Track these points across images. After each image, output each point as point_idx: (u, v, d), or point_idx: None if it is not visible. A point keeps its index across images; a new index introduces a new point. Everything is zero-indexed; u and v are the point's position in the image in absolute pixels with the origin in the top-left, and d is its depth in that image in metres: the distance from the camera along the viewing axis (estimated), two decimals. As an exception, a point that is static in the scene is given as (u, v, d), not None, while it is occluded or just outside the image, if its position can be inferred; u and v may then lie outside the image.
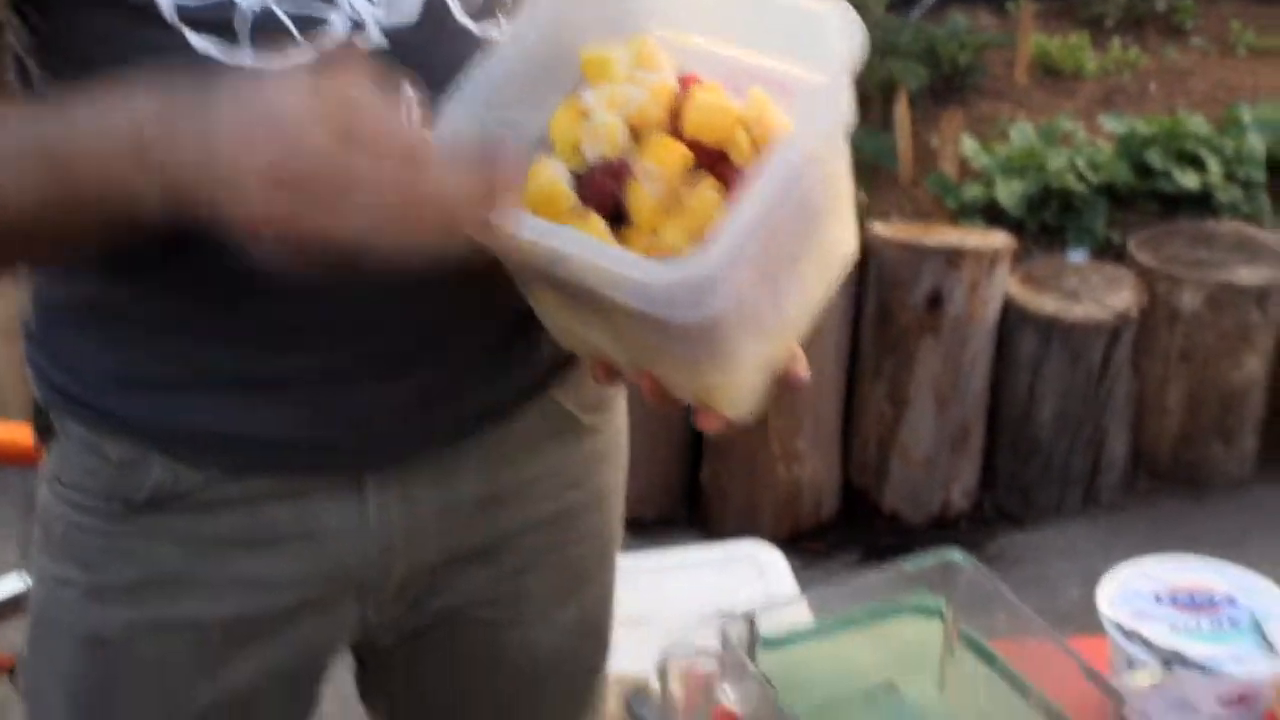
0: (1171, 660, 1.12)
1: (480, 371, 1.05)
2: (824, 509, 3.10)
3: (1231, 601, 1.18)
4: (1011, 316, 3.02)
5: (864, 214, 3.22)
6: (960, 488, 3.09)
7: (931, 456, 3.04)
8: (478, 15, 0.95)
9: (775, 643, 0.92)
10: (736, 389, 0.87)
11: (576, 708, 1.32)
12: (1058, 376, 3.01)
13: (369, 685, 1.29)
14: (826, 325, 2.90)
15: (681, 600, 2.20)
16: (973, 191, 3.35)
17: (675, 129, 0.89)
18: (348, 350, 0.99)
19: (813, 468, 3.03)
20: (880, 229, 3.02)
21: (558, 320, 0.96)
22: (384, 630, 1.15)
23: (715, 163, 0.88)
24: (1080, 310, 2.99)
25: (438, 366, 1.02)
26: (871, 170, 3.43)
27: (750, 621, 0.91)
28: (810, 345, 0.92)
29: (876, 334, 3.00)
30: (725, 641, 0.88)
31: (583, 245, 0.82)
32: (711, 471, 3.08)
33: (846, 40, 0.84)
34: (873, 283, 2.99)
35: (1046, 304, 3.00)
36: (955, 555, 0.94)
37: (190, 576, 1.03)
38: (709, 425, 0.87)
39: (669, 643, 0.90)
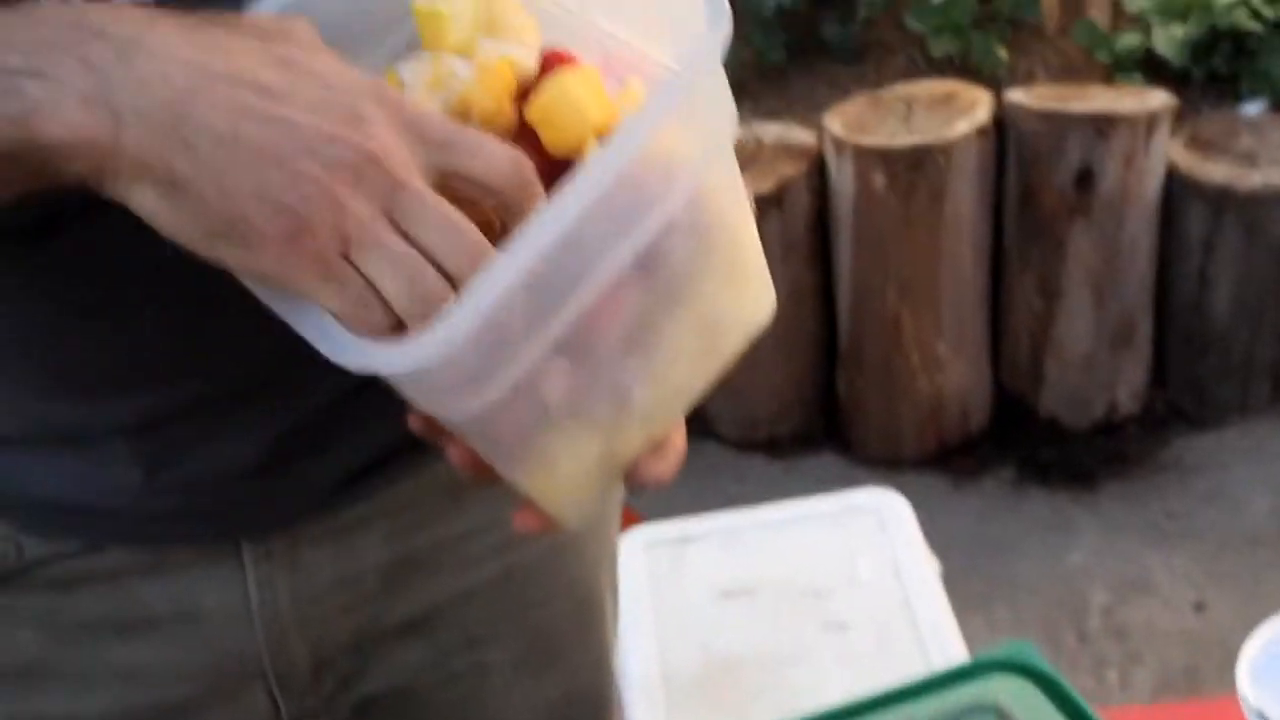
0: (1336, 778, 0.80)
1: (359, 414, 0.84)
2: (973, 420, 2.76)
3: None
4: (1176, 189, 2.60)
5: (1003, 78, 2.84)
6: (1127, 388, 2.72)
7: (1091, 354, 2.67)
8: None
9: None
10: (556, 492, 0.66)
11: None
12: (1234, 255, 2.59)
13: None
14: (963, 214, 2.54)
15: (785, 566, 1.94)
16: (1127, 41, 2.91)
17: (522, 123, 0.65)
18: (187, 388, 0.79)
19: (958, 375, 2.70)
20: (1018, 97, 2.62)
21: None
22: (311, 717, 0.95)
23: (558, 173, 0.62)
24: (1258, 176, 2.55)
25: (301, 405, 0.82)
26: (1010, 24, 3.01)
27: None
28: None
29: (1020, 220, 2.63)
30: None
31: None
32: (848, 384, 2.76)
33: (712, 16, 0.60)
34: (1013, 161, 2.62)
35: (1217, 171, 2.57)
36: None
37: (53, 666, 0.87)
38: (526, 523, 0.68)
39: None
